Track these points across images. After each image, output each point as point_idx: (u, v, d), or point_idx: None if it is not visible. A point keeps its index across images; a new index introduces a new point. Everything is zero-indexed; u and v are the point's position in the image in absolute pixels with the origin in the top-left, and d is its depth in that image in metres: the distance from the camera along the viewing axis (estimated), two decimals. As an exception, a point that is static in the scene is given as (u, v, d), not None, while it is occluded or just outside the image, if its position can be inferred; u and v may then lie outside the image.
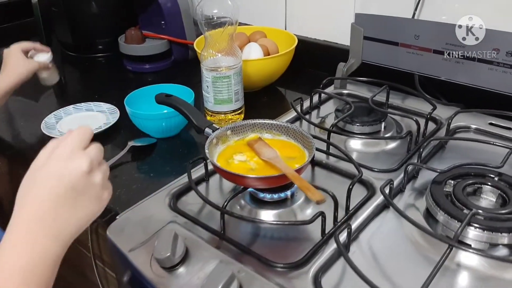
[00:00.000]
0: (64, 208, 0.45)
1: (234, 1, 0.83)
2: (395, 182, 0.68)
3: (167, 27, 1.21)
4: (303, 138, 0.70)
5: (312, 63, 1.16)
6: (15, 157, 0.93)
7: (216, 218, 0.63)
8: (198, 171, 0.74)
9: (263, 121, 0.73)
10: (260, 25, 1.16)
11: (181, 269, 0.56)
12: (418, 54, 0.90)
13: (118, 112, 0.95)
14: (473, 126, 0.86)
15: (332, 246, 0.58)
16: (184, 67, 1.23)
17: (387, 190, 0.65)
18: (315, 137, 0.73)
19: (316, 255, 0.57)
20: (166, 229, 0.62)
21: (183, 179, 0.72)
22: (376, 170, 0.73)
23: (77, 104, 1.00)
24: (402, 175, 0.70)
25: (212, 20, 0.82)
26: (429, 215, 0.63)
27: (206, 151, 0.66)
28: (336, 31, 1.10)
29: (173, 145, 0.87)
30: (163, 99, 0.79)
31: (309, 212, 0.66)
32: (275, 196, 0.66)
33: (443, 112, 0.88)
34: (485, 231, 0.57)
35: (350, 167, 0.72)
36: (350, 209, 0.64)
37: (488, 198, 0.64)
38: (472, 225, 0.57)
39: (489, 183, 0.64)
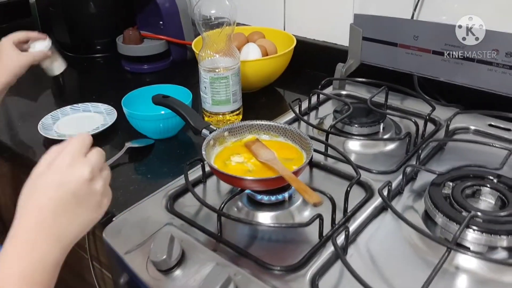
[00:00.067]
0: (64, 215, 0.45)
1: (232, 1, 0.83)
2: (394, 184, 0.68)
3: (165, 27, 1.20)
4: (301, 140, 0.70)
5: (310, 64, 1.15)
6: (14, 158, 0.92)
7: (213, 220, 0.63)
8: (195, 173, 0.74)
9: (261, 122, 0.73)
10: (259, 26, 1.16)
11: (177, 272, 0.56)
12: (417, 55, 0.90)
13: (116, 112, 0.94)
14: (472, 127, 0.85)
15: (329, 249, 0.58)
16: (182, 67, 1.23)
17: (385, 192, 0.64)
18: (313, 138, 0.72)
19: (313, 258, 0.57)
20: (163, 232, 0.61)
21: (180, 181, 0.72)
22: (374, 171, 0.72)
23: (75, 105, 1.00)
24: (400, 177, 0.70)
25: (210, 21, 0.82)
26: (427, 217, 0.63)
27: (203, 152, 0.66)
28: (335, 31, 1.09)
29: (170, 146, 0.87)
30: (160, 100, 0.79)
31: (306, 214, 0.65)
32: (273, 198, 0.65)
33: (442, 113, 0.88)
34: (483, 234, 0.56)
35: (348, 169, 0.71)
36: (348, 211, 0.64)
37: (487, 200, 0.63)
38: (470, 228, 0.57)
39: (488, 185, 0.64)
